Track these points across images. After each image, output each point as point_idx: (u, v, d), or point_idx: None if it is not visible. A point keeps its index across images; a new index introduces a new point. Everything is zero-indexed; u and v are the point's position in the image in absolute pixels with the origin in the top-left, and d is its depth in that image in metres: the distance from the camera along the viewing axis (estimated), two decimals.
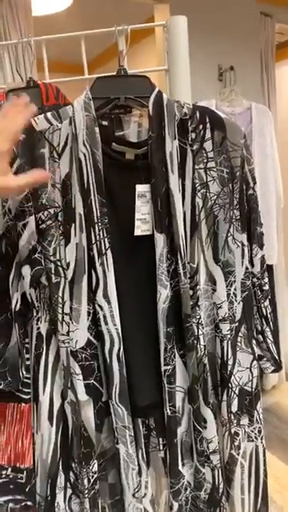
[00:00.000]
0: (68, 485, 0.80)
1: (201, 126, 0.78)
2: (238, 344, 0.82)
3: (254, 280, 0.84)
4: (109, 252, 0.74)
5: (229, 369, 0.81)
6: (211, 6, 1.94)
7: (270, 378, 2.17)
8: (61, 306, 0.75)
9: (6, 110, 0.65)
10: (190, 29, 0.89)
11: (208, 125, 0.78)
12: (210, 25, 1.93)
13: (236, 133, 0.79)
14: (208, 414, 0.79)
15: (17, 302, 0.77)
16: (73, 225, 0.74)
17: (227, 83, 1.92)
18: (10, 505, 0.80)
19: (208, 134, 0.78)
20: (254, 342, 0.84)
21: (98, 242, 0.74)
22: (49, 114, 0.76)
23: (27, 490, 0.80)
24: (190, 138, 0.77)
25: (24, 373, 0.80)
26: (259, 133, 1.78)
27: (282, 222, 2.10)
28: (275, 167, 1.85)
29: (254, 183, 0.82)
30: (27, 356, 0.81)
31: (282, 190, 1.92)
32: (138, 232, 0.77)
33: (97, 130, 0.74)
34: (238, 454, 0.83)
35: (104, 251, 0.74)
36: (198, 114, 0.78)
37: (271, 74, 2.12)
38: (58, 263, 0.76)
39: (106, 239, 0.74)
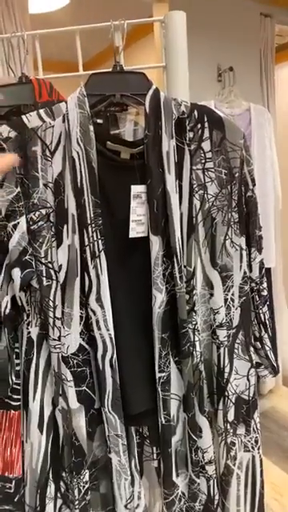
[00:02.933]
0: (58, 495, 0.77)
1: (199, 125, 0.76)
2: (236, 351, 0.80)
3: (253, 285, 0.81)
4: (102, 254, 0.72)
5: (225, 376, 0.78)
6: (210, 6, 1.92)
7: (267, 383, 2.15)
8: (52, 309, 0.73)
9: None
10: (189, 29, 0.87)
11: (206, 124, 0.76)
12: (209, 24, 1.91)
13: (235, 133, 0.77)
14: (203, 422, 0.77)
15: (6, 306, 0.74)
16: (65, 226, 0.72)
17: (226, 84, 1.89)
18: None
19: (206, 134, 0.76)
20: (251, 349, 0.81)
21: (92, 244, 0.71)
22: (41, 111, 0.73)
23: (16, 500, 0.78)
24: (187, 138, 0.75)
25: (14, 379, 0.78)
26: (258, 134, 1.76)
27: (280, 225, 2.08)
28: (274, 169, 1.83)
29: (254, 185, 0.80)
30: (17, 361, 0.78)
31: (281, 191, 1.90)
32: (132, 234, 0.75)
33: (91, 128, 0.72)
34: (234, 465, 0.81)
35: (97, 253, 0.72)
36: (196, 113, 0.76)
37: (270, 76, 2.10)
38: (50, 266, 0.73)
39: (99, 241, 0.72)
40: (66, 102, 0.74)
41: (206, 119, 0.76)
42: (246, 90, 1.93)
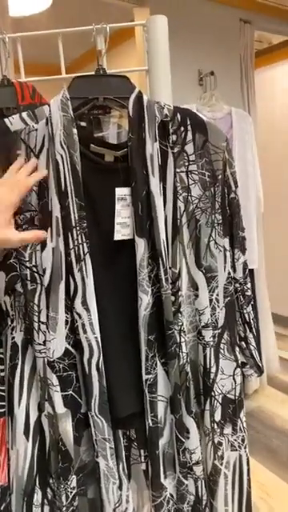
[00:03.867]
0: (45, 502, 0.76)
1: (182, 128, 0.76)
2: (221, 351, 0.80)
3: (237, 285, 0.82)
4: (87, 257, 0.71)
5: (211, 377, 0.79)
6: (191, 11, 1.95)
7: (252, 382, 2.17)
8: (37, 314, 0.72)
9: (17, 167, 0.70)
10: (170, 33, 0.88)
11: (189, 127, 0.77)
12: (190, 29, 1.94)
13: (218, 136, 0.78)
14: (191, 423, 0.77)
15: None
16: (49, 229, 0.71)
17: (207, 88, 1.92)
18: None
19: (189, 137, 0.77)
20: (237, 348, 0.82)
21: (76, 247, 0.71)
22: (24, 114, 0.73)
23: (2, 508, 0.76)
24: (170, 141, 0.76)
25: None
26: (239, 138, 1.79)
27: (263, 227, 2.11)
28: (255, 172, 1.86)
29: (236, 187, 0.81)
30: (1, 367, 0.77)
31: (262, 194, 1.94)
32: (117, 236, 0.75)
33: (75, 131, 0.72)
34: (222, 464, 0.81)
35: (82, 256, 0.71)
36: (179, 116, 0.77)
37: (251, 80, 2.14)
38: (34, 269, 0.72)
39: (84, 244, 0.71)
40: (49, 105, 0.73)
41: (188, 122, 0.77)
42: (227, 94, 1.96)
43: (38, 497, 0.75)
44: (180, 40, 1.87)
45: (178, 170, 0.76)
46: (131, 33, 1.93)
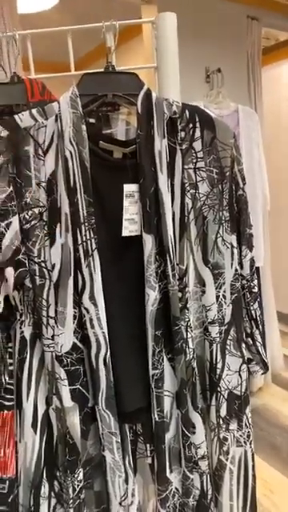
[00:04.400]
0: (52, 494, 0.77)
1: (190, 125, 0.77)
2: (227, 347, 0.81)
3: (244, 282, 0.83)
4: (95, 253, 0.72)
5: (218, 372, 0.79)
6: (198, 8, 1.94)
7: (256, 380, 2.17)
8: (45, 308, 0.73)
9: None
10: (178, 30, 0.88)
11: (198, 124, 0.77)
12: (197, 26, 1.93)
13: (226, 132, 0.78)
14: (196, 418, 0.78)
15: None
16: (58, 225, 0.72)
17: (214, 85, 1.91)
18: None
19: (198, 134, 0.77)
20: (243, 345, 0.83)
21: (85, 243, 0.72)
22: (34, 111, 0.73)
23: (9, 500, 0.77)
24: (179, 137, 0.76)
25: (7, 378, 0.77)
26: (246, 135, 1.79)
27: (269, 225, 2.11)
28: (262, 169, 1.86)
29: (244, 184, 0.81)
30: (10, 361, 0.78)
31: (268, 191, 1.93)
32: (125, 233, 0.75)
33: (84, 127, 0.72)
34: (227, 460, 0.82)
35: (90, 252, 0.72)
36: (187, 113, 0.77)
37: (257, 77, 2.13)
38: (43, 265, 0.73)
39: (92, 240, 0.72)
40: (59, 102, 0.74)
41: (197, 119, 0.77)
42: (234, 92, 1.95)
43: (45, 489, 0.76)
44: (187, 37, 1.87)
45: (185, 167, 0.77)
46: (138, 30, 1.93)
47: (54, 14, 2.06)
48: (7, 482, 0.77)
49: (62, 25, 0.90)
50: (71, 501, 0.75)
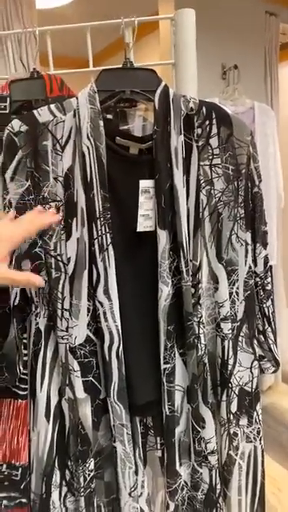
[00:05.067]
0: (63, 483, 0.79)
1: (207, 122, 0.77)
2: (239, 344, 0.81)
3: (257, 279, 0.83)
4: (110, 247, 0.73)
5: (229, 368, 0.80)
6: (215, 3, 1.93)
7: (266, 379, 2.17)
8: (60, 301, 0.74)
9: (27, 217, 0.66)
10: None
11: (214, 121, 0.77)
12: (214, 22, 1.92)
13: (242, 129, 0.78)
14: (207, 413, 0.78)
15: (16, 297, 0.75)
16: (74, 219, 0.73)
17: (230, 82, 1.90)
18: (4, 502, 0.79)
19: (214, 130, 0.77)
20: (255, 341, 0.83)
21: (100, 238, 0.73)
22: (52, 106, 0.75)
23: (22, 487, 0.79)
24: (195, 134, 0.76)
25: (21, 369, 0.79)
26: (262, 132, 1.78)
27: (282, 223, 2.09)
28: (277, 167, 1.85)
29: (260, 181, 0.81)
30: (25, 352, 0.79)
31: (283, 189, 1.92)
32: (140, 228, 0.76)
33: (101, 123, 0.73)
34: (237, 455, 0.82)
35: (105, 247, 0.73)
36: (204, 110, 0.77)
37: (274, 74, 2.11)
38: (59, 258, 0.74)
39: (107, 234, 0.73)
40: (77, 98, 0.75)
41: (214, 116, 0.77)
42: (250, 88, 1.94)
43: (56, 477, 0.78)
44: (204, 32, 1.85)
45: (201, 164, 0.77)
46: (155, 26, 1.93)
47: (70, 10, 2.07)
48: (20, 469, 0.79)
49: (77, 22, 0.91)
50: (82, 490, 0.76)
